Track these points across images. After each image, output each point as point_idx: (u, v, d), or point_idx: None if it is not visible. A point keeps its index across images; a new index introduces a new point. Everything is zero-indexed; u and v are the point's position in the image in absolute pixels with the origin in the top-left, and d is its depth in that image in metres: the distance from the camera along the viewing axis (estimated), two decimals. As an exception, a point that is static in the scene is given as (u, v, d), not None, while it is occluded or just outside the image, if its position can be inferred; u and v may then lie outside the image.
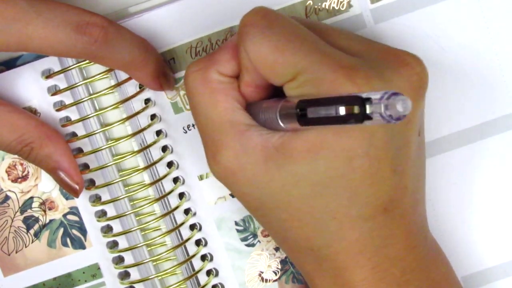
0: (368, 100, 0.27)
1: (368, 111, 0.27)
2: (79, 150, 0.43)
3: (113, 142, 0.42)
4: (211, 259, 0.44)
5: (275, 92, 0.37)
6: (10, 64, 0.43)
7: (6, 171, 0.43)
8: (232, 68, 0.36)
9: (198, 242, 0.44)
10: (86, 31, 0.38)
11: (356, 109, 0.27)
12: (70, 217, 0.44)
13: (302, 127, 0.32)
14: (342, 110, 0.28)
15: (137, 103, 0.43)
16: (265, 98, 0.37)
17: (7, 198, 0.44)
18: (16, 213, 0.44)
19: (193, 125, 0.43)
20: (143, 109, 0.42)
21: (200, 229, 0.44)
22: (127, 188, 0.43)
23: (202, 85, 0.36)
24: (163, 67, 0.41)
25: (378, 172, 0.34)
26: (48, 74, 0.42)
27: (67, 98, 0.43)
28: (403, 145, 0.35)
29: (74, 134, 0.43)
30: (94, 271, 0.44)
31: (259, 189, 0.35)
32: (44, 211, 0.44)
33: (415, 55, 0.35)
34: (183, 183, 0.43)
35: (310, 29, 0.36)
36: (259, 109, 0.36)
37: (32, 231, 0.44)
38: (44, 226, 0.44)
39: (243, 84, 0.37)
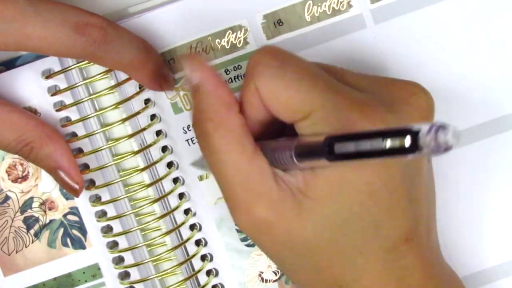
0: (417, 132, 0.26)
1: (419, 143, 0.26)
2: (79, 150, 0.43)
3: (113, 142, 0.42)
4: (211, 259, 0.44)
5: (274, 129, 0.37)
6: (10, 64, 0.43)
7: (6, 171, 0.43)
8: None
9: (198, 242, 0.44)
10: (85, 31, 0.38)
11: (407, 142, 0.27)
12: (70, 217, 0.44)
13: (317, 165, 0.32)
14: (390, 143, 0.27)
15: (137, 103, 0.43)
16: (264, 134, 0.37)
17: (7, 198, 0.44)
18: (16, 213, 0.44)
19: (193, 125, 0.43)
20: (143, 109, 0.42)
21: (200, 229, 0.44)
22: (127, 188, 0.43)
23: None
24: (162, 68, 0.41)
25: (398, 203, 0.34)
26: (48, 74, 0.42)
27: (67, 98, 0.43)
28: (416, 173, 0.35)
29: (74, 134, 0.43)
30: (94, 271, 0.44)
31: (292, 240, 0.34)
32: (44, 211, 0.44)
33: (419, 84, 0.36)
34: (183, 183, 0.43)
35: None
36: (267, 149, 0.35)
37: (32, 231, 0.44)
38: (44, 226, 0.44)
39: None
